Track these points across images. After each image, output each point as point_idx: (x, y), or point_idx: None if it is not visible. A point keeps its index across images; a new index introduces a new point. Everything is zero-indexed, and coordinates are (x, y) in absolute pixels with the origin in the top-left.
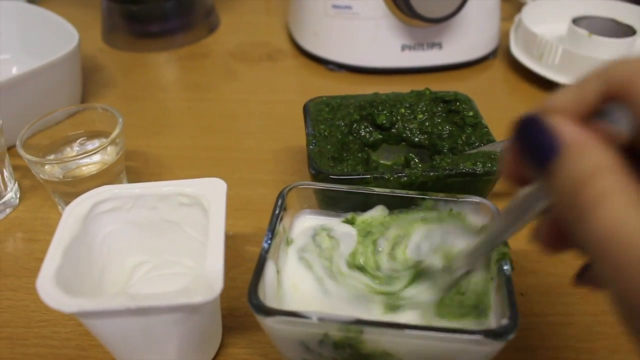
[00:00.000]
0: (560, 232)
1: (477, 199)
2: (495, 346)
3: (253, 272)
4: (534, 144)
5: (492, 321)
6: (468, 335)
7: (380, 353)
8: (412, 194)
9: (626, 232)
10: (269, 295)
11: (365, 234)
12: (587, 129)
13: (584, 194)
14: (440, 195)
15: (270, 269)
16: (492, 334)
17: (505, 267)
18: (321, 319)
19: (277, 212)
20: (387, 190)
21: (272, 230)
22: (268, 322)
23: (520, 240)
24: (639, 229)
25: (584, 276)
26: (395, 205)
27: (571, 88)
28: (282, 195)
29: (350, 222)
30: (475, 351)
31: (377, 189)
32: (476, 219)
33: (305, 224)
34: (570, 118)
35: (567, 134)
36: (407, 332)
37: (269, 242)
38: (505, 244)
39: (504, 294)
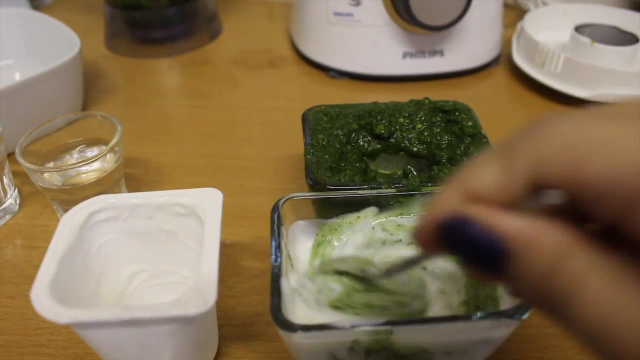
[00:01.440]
0: None
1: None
2: (513, 326)
3: (270, 290)
4: (472, 250)
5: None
6: (493, 319)
7: (414, 350)
8: (400, 191)
9: (619, 314)
10: (287, 309)
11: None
12: (525, 217)
13: (554, 288)
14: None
15: (284, 284)
16: (513, 313)
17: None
18: (354, 326)
19: (275, 228)
20: (374, 191)
21: (278, 246)
22: (295, 338)
23: None
24: (628, 308)
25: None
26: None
27: (491, 169)
28: (277, 209)
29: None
30: (499, 333)
31: (365, 191)
32: None
33: (299, 236)
34: (499, 207)
35: (511, 232)
36: (436, 325)
37: (279, 259)
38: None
39: None
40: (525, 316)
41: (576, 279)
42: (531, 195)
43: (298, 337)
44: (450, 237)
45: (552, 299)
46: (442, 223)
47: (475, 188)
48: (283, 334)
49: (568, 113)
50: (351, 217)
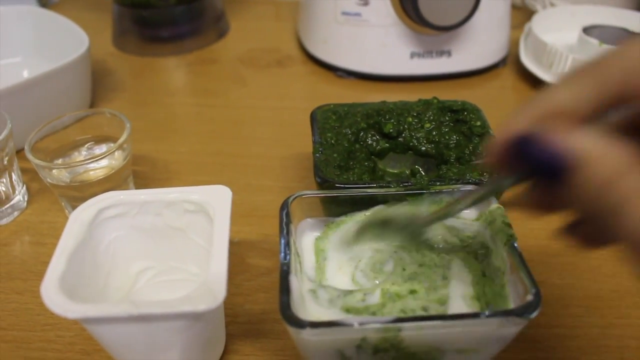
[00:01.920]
0: (593, 230)
1: (474, 187)
2: (521, 324)
3: (279, 288)
4: (541, 164)
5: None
6: (502, 317)
7: (422, 348)
8: (410, 190)
9: None
10: (296, 307)
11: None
12: (593, 134)
13: (610, 197)
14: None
15: (293, 281)
16: (522, 311)
17: (516, 246)
18: (362, 323)
19: (284, 225)
20: (382, 190)
21: (287, 244)
22: (304, 335)
23: (524, 251)
24: None
25: (574, 231)
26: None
27: (566, 88)
28: (286, 206)
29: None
30: (508, 331)
31: (374, 190)
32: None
33: (307, 234)
34: (572, 124)
35: (577, 147)
36: (445, 322)
37: (288, 256)
38: (509, 225)
39: (522, 272)
40: (533, 315)
41: (629, 193)
42: (610, 110)
43: (307, 334)
44: (521, 151)
45: (605, 210)
46: (514, 138)
47: (549, 108)
48: (292, 330)
49: None
50: (359, 215)
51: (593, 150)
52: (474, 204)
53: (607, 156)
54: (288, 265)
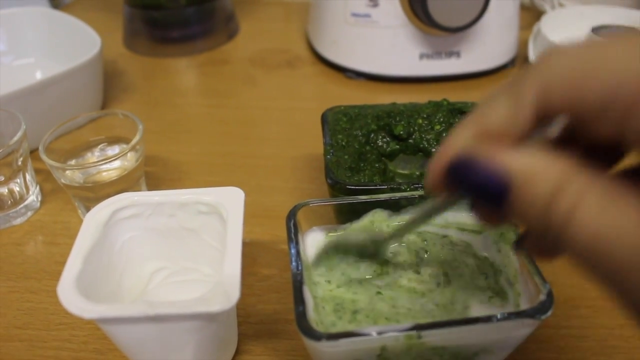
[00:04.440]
0: (545, 242)
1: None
2: (533, 326)
3: (293, 299)
4: (481, 188)
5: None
6: (516, 319)
7: (437, 349)
8: (417, 194)
9: (611, 232)
10: (310, 316)
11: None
12: (528, 151)
13: (555, 213)
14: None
15: (306, 291)
16: (535, 312)
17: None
18: (380, 332)
19: (292, 235)
20: (389, 195)
21: (298, 253)
22: (320, 347)
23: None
24: (621, 225)
25: (522, 244)
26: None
27: (494, 108)
28: (293, 216)
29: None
30: (521, 333)
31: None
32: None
33: (314, 242)
34: (507, 143)
35: (513, 167)
36: (462, 327)
37: (300, 266)
38: (516, 225)
39: (533, 272)
40: (546, 315)
41: (573, 201)
42: (539, 126)
43: (323, 346)
44: (457, 175)
45: (554, 223)
46: (450, 163)
47: (486, 125)
48: (307, 342)
49: (567, 44)
50: (362, 222)
51: (530, 168)
52: (424, 222)
53: (545, 171)
54: (301, 275)
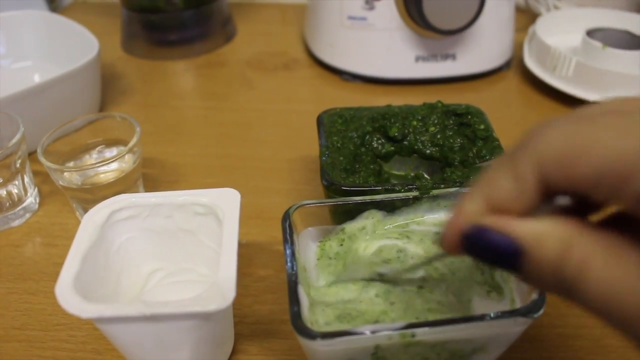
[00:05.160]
0: None
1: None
2: (526, 324)
3: (288, 299)
4: (493, 254)
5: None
6: (509, 317)
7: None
8: (411, 195)
9: (617, 288)
10: (305, 316)
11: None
12: (535, 219)
13: (564, 274)
14: (438, 192)
15: (301, 291)
16: (527, 311)
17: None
18: (374, 332)
19: (288, 236)
20: (383, 196)
21: (293, 254)
22: (314, 345)
23: None
24: (625, 281)
25: None
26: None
27: (505, 180)
28: (288, 217)
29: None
30: (514, 331)
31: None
32: None
33: (310, 243)
34: (517, 215)
35: (522, 233)
36: (458, 326)
37: (295, 267)
38: None
39: None
40: (539, 314)
41: (581, 261)
42: (546, 199)
43: (318, 345)
44: (472, 244)
45: (565, 283)
46: (464, 233)
47: (493, 199)
48: (303, 341)
49: (559, 118)
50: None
51: (537, 231)
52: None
53: (552, 233)
54: (296, 275)
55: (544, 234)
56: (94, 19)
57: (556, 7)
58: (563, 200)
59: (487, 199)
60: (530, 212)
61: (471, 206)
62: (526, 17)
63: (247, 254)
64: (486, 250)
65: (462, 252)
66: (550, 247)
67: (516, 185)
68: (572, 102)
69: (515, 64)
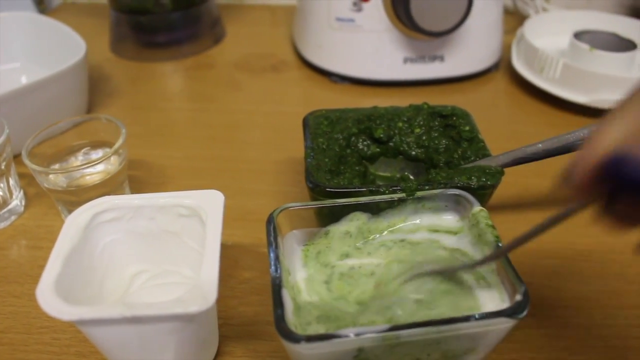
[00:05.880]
0: None
1: (456, 191)
2: (513, 323)
3: (272, 302)
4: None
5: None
6: (494, 318)
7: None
8: (395, 196)
9: None
10: (289, 319)
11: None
12: None
13: None
14: (422, 194)
15: (285, 294)
16: (512, 312)
17: (501, 246)
18: (358, 334)
19: (272, 239)
20: (368, 198)
21: (277, 257)
22: (298, 349)
23: (513, 254)
24: None
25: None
26: (382, 207)
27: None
28: (272, 220)
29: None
30: (499, 332)
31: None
32: (456, 211)
33: (294, 246)
34: None
35: None
36: (441, 327)
37: (279, 270)
38: (493, 227)
39: (509, 272)
40: (523, 314)
41: None
42: None
43: (302, 348)
44: (613, 172)
45: None
46: (604, 160)
47: (619, 136)
48: (286, 344)
49: None
50: (341, 225)
51: None
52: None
53: None
54: (280, 278)
55: None
56: (83, 21)
57: (544, 9)
58: None
59: (630, 124)
60: None
61: (609, 134)
62: (515, 19)
63: (232, 255)
64: (632, 179)
65: (597, 186)
66: None
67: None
68: (559, 103)
69: (503, 66)
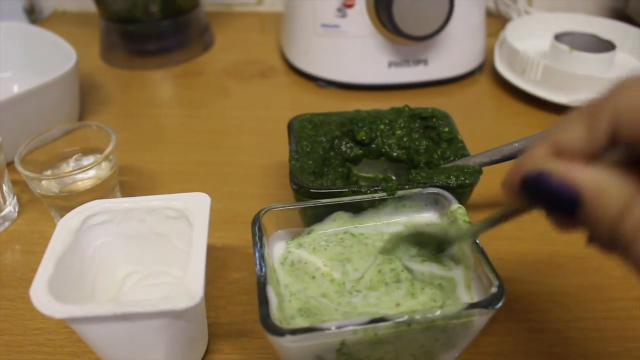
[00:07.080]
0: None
1: (435, 190)
2: (489, 314)
3: (258, 300)
4: (551, 200)
5: (470, 297)
6: (470, 309)
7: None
8: (376, 196)
9: None
10: (273, 314)
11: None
12: (601, 168)
13: (622, 230)
14: (403, 193)
15: (270, 292)
16: (488, 303)
17: (478, 242)
18: (340, 327)
19: (257, 239)
20: (350, 198)
21: (262, 256)
22: (283, 342)
23: (495, 251)
24: None
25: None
26: (364, 207)
27: (577, 125)
28: (257, 220)
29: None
30: (476, 323)
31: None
32: (435, 210)
33: (279, 245)
34: (581, 160)
35: (583, 183)
36: (418, 319)
37: (264, 268)
38: (470, 223)
39: (485, 267)
40: (498, 305)
41: (637, 225)
42: (610, 149)
43: (286, 341)
44: (531, 189)
45: (619, 240)
46: (525, 177)
47: (559, 144)
48: (272, 339)
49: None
50: (324, 225)
51: (599, 185)
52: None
53: (613, 189)
54: (264, 277)
55: (605, 188)
56: (74, 30)
57: (527, 12)
58: (621, 152)
59: (555, 144)
60: (594, 159)
61: (537, 151)
62: (498, 22)
63: (221, 257)
64: (545, 196)
65: (521, 198)
66: (610, 203)
67: (588, 134)
68: (541, 104)
69: (486, 68)
